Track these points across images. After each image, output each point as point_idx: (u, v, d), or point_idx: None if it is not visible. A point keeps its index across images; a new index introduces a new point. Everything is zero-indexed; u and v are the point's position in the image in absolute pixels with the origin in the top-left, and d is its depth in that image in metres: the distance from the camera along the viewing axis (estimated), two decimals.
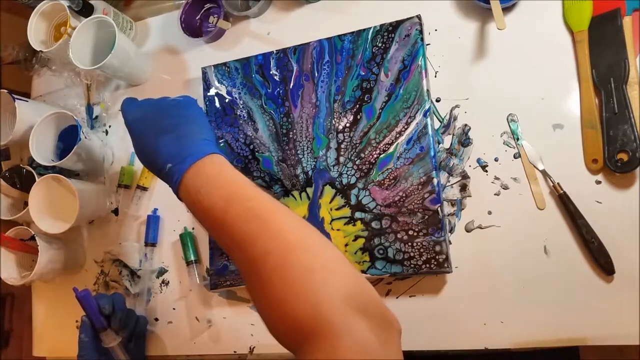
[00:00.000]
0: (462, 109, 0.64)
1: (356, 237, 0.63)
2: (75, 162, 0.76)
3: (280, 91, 0.70)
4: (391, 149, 0.63)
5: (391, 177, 0.63)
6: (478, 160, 0.62)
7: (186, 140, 0.49)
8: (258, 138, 0.70)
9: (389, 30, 0.66)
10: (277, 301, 0.39)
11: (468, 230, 0.61)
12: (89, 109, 0.86)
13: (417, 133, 0.62)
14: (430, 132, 0.62)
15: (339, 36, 0.68)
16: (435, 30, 0.67)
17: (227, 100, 0.73)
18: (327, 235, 0.64)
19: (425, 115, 0.62)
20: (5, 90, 0.79)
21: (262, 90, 0.71)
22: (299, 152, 0.68)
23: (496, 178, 0.61)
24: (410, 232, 0.60)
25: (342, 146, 0.66)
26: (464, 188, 0.63)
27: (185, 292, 0.74)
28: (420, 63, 0.64)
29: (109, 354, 0.67)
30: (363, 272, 0.62)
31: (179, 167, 0.47)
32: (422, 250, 0.59)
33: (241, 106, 0.72)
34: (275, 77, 0.71)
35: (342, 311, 0.37)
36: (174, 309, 0.75)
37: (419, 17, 0.65)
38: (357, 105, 0.66)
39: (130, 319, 0.70)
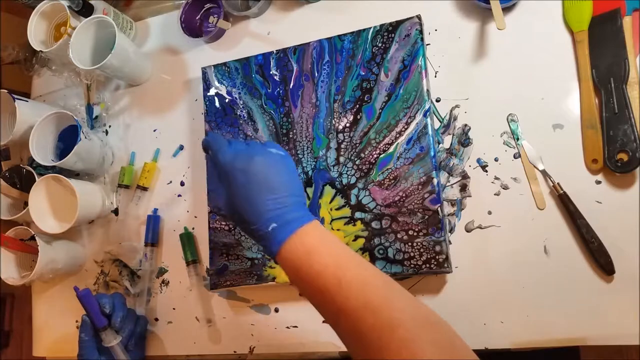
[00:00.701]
0: (462, 109, 0.64)
1: (356, 237, 0.63)
2: (75, 162, 0.76)
3: (280, 91, 0.70)
4: (391, 149, 0.63)
5: (391, 177, 0.63)
6: (478, 160, 0.62)
7: (289, 200, 0.48)
8: (258, 138, 0.70)
9: (389, 30, 0.66)
10: None
11: (468, 230, 0.61)
12: (89, 109, 0.86)
13: (417, 133, 0.62)
14: (430, 132, 0.62)
15: (339, 36, 0.68)
16: (435, 30, 0.67)
17: (227, 100, 0.73)
18: None
19: (425, 115, 0.62)
20: (5, 90, 0.79)
21: (262, 90, 0.71)
22: (299, 152, 0.68)
23: (496, 178, 0.61)
24: (410, 232, 0.60)
25: (342, 146, 0.66)
26: (464, 188, 0.63)
27: (185, 292, 0.74)
28: (420, 63, 0.64)
29: (109, 354, 0.67)
30: None
31: (285, 229, 0.46)
32: (422, 250, 0.59)
33: (241, 106, 0.72)
34: (275, 77, 0.71)
35: None
36: (174, 309, 0.75)
37: (419, 17, 0.65)
38: (357, 105, 0.66)
39: (130, 319, 0.70)
